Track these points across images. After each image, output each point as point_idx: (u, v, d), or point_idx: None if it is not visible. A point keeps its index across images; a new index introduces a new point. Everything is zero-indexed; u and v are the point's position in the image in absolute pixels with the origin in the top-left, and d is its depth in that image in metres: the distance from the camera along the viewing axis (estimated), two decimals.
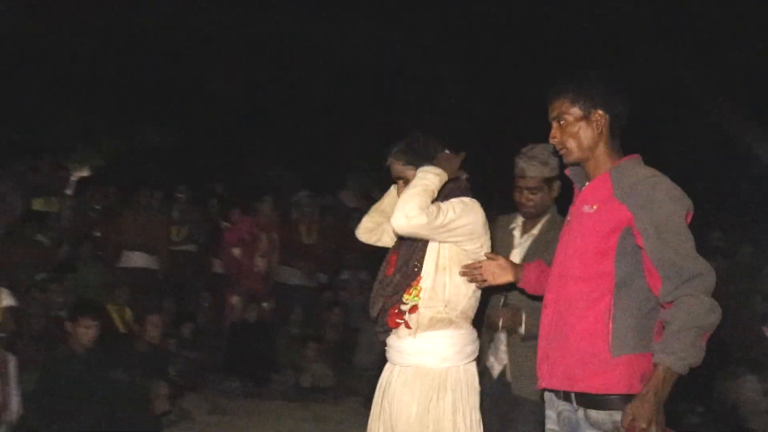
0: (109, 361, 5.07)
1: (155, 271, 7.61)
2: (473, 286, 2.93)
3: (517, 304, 3.21)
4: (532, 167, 3.25)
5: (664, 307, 2.27)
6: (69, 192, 8.00)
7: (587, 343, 2.35)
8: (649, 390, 2.19)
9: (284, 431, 5.86)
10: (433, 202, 2.84)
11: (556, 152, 2.59)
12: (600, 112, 2.44)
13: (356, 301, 7.98)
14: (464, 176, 3.03)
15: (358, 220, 3.34)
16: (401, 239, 3.02)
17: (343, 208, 8.97)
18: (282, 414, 6.25)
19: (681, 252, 2.24)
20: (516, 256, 3.32)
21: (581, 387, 2.35)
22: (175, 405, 5.73)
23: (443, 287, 2.90)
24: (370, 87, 11.85)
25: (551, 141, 2.53)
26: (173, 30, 11.10)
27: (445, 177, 2.91)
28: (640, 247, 2.30)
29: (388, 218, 3.08)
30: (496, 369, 3.35)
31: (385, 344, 3.06)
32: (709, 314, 2.20)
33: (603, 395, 2.32)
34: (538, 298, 2.83)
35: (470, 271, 2.87)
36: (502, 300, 3.19)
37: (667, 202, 2.27)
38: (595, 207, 2.40)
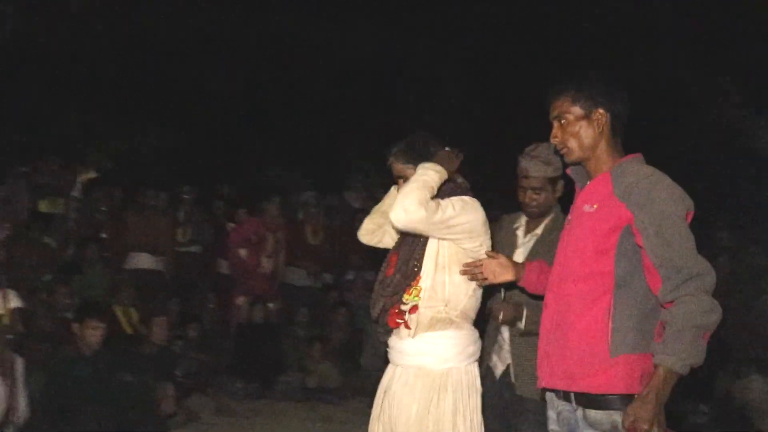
0: (116, 363, 5.08)
1: (161, 273, 7.62)
2: (473, 285, 2.92)
3: (519, 299, 3.20)
4: (535, 167, 3.24)
5: (664, 307, 2.27)
6: (75, 194, 8.02)
7: (586, 342, 2.35)
8: (650, 391, 2.18)
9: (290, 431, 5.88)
10: (432, 200, 2.84)
11: (557, 151, 2.59)
12: (601, 111, 2.43)
13: (362, 301, 7.97)
14: (459, 179, 3.03)
15: (363, 220, 3.34)
16: (402, 240, 3.02)
17: (349, 209, 8.97)
18: (288, 414, 6.26)
19: (681, 251, 2.23)
20: (519, 255, 3.31)
21: (580, 386, 2.35)
22: (182, 406, 5.74)
23: (443, 286, 2.90)
24: (373, 87, 11.85)
25: (552, 140, 2.52)
26: (177, 31, 11.11)
27: (444, 174, 2.90)
28: (639, 247, 2.29)
29: (389, 219, 3.08)
30: (498, 368, 3.34)
31: (386, 345, 3.06)
32: (710, 314, 2.19)
33: (602, 395, 2.31)
34: (539, 297, 2.84)
35: (471, 270, 2.86)
36: (503, 294, 3.18)
37: (667, 201, 2.27)
38: (595, 206, 2.39)
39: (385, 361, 3.10)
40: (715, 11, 10.28)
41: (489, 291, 3.11)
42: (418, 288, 2.90)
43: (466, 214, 2.86)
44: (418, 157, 2.96)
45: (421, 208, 2.74)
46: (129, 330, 6.56)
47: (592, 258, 2.36)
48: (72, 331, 4.99)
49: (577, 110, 2.45)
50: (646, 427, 2.17)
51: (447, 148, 3.02)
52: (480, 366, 3.12)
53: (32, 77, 10.31)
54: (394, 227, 3.03)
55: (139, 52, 11.02)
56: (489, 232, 2.97)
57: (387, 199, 3.25)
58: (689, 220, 2.32)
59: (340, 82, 11.76)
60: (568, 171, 2.63)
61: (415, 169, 2.92)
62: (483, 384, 3.05)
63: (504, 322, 3.12)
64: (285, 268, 7.96)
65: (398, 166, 3.03)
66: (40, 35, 10.07)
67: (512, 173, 3.38)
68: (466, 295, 2.92)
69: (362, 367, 7.24)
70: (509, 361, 3.29)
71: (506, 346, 3.32)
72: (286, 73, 11.82)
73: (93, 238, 7.38)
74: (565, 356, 2.39)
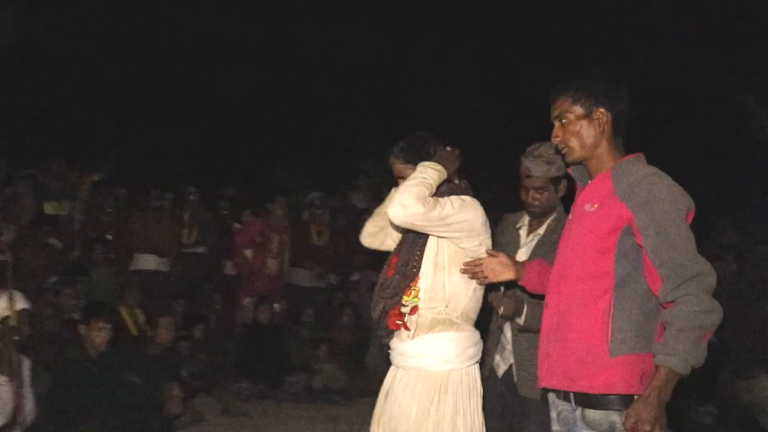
0: (122, 364, 5.08)
1: (166, 274, 7.64)
2: (474, 285, 2.92)
3: (521, 295, 3.19)
4: (537, 166, 3.23)
5: (665, 307, 2.26)
6: (80, 195, 8.04)
7: (586, 342, 2.34)
8: (651, 391, 2.18)
9: None
10: (431, 197, 2.83)
11: (559, 151, 2.59)
12: (602, 110, 2.43)
13: (367, 302, 7.89)
14: (456, 180, 3.02)
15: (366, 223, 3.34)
16: (402, 241, 3.02)
17: (354, 210, 8.97)
18: (293, 415, 6.26)
19: (681, 251, 2.22)
20: (522, 255, 3.30)
21: (580, 387, 2.34)
22: (188, 407, 5.74)
23: (443, 287, 2.89)
24: (378, 88, 11.86)
25: (553, 140, 2.52)
26: (183, 33, 11.14)
27: (444, 174, 2.90)
28: (640, 246, 2.29)
29: (392, 223, 3.08)
30: (501, 368, 3.34)
31: (388, 347, 3.06)
32: (710, 314, 2.19)
33: (601, 395, 2.31)
34: (539, 296, 2.83)
35: (471, 268, 2.86)
36: (503, 289, 3.17)
37: (667, 201, 2.26)
38: (596, 206, 2.39)
39: (390, 362, 3.11)
40: (715, 11, 10.27)
41: (489, 292, 3.10)
42: (416, 289, 2.90)
43: (464, 212, 2.85)
44: (417, 157, 2.96)
45: (418, 204, 2.74)
46: (135, 331, 6.57)
47: (593, 258, 2.36)
48: (78, 333, 5.00)
49: (578, 110, 2.44)
50: (648, 428, 2.16)
51: (448, 148, 3.02)
52: (482, 367, 3.11)
53: (38, 79, 10.34)
54: (392, 224, 3.03)
55: (145, 54, 11.05)
56: (489, 231, 2.97)
57: (387, 202, 3.24)
58: (690, 220, 2.32)
59: (345, 83, 11.78)
60: (569, 170, 2.63)
61: (414, 169, 2.92)
62: (485, 384, 3.04)
63: (504, 316, 3.11)
64: (290, 269, 7.97)
65: (398, 166, 3.03)
66: (46, 37, 10.09)
67: (514, 173, 3.38)
68: (466, 296, 2.92)
69: (367, 368, 7.24)
70: (512, 360, 3.29)
71: (509, 346, 3.31)
72: (291, 75, 11.84)
73: (99, 239, 7.39)
74: (565, 356, 2.39)
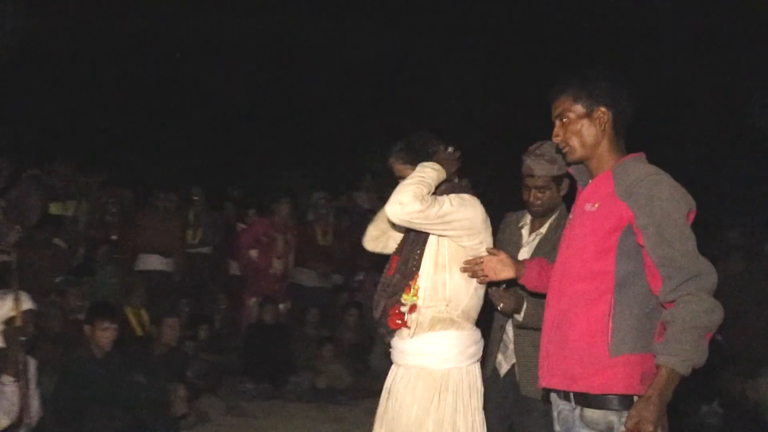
0: (127, 364, 5.09)
1: (171, 274, 7.64)
2: (474, 284, 2.92)
3: (521, 293, 3.19)
4: (539, 166, 3.23)
5: (665, 307, 2.25)
6: (85, 196, 8.05)
7: (587, 342, 2.34)
8: (653, 392, 2.17)
9: None
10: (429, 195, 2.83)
11: (560, 150, 2.58)
12: (603, 109, 2.42)
13: (372, 302, 7.96)
14: (456, 180, 3.02)
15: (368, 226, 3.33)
16: (403, 241, 3.02)
17: (359, 210, 8.97)
18: (299, 415, 6.26)
19: (682, 251, 2.22)
20: (524, 254, 3.30)
21: (580, 387, 2.34)
22: (193, 407, 5.75)
23: (443, 286, 2.89)
24: (382, 88, 11.87)
25: (554, 139, 2.52)
26: (187, 33, 11.16)
27: (443, 173, 2.90)
28: (641, 246, 2.28)
29: (393, 225, 3.08)
30: (504, 367, 3.34)
31: (390, 346, 3.05)
32: (711, 314, 2.18)
33: (601, 395, 2.30)
34: (539, 295, 2.82)
35: (471, 267, 2.86)
36: (504, 287, 3.17)
37: (668, 200, 2.25)
38: (596, 205, 2.38)
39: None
40: (715, 11, 10.26)
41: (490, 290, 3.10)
42: (416, 287, 2.91)
43: (464, 210, 2.85)
44: (417, 158, 2.96)
45: (416, 202, 2.73)
46: (140, 331, 6.57)
47: (593, 258, 2.36)
48: (83, 333, 5.01)
49: (579, 109, 2.44)
50: (651, 428, 2.15)
51: (449, 149, 3.01)
52: (484, 366, 3.11)
53: (43, 80, 10.36)
54: (393, 225, 3.03)
55: (149, 55, 11.07)
56: (490, 229, 2.97)
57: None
58: (691, 219, 2.31)
59: (349, 83, 11.78)
60: (570, 170, 2.62)
61: (413, 169, 2.92)
62: (487, 384, 3.04)
63: (503, 312, 3.11)
64: (295, 269, 7.97)
65: (398, 167, 3.03)
66: (51, 38, 10.11)
67: (515, 172, 3.38)
68: (467, 295, 2.92)
69: (372, 368, 7.23)
70: (514, 360, 3.29)
71: (511, 345, 3.31)
72: (296, 75, 11.86)
73: (103, 239, 7.40)
74: (565, 356, 2.38)
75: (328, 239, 8.16)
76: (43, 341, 5.18)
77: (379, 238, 3.25)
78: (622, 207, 2.30)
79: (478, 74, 11.77)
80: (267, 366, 6.92)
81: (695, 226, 2.30)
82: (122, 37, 10.97)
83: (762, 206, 8.71)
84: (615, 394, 2.29)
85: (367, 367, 7.32)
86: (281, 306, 7.61)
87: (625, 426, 2.21)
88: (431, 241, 2.91)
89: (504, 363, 3.34)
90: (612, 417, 2.28)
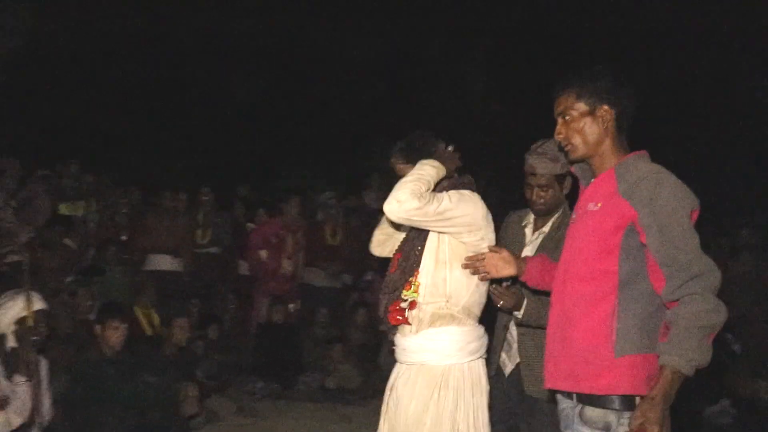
0: (138, 364, 5.10)
1: (181, 274, 7.65)
2: (475, 280, 2.90)
3: (523, 290, 3.18)
4: (542, 164, 3.21)
5: (668, 307, 2.23)
6: (95, 196, 8.08)
7: (591, 342, 2.32)
8: (657, 393, 2.15)
9: None
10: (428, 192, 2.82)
11: (562, 148, 2.56)
12: (606, 107, 2.40)
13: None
14: (457, 175, 3.01)
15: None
16: (405, 238, 3.01)
17: (368, 209, 8.96)
18: (308, 415, 6.25)
19: (685, 250, 2.20)
20: (527, 253, 3.29)
21: (584, 387, 2.33)
22: (203, 406, 5.76)
23: (444, 282, 2.88)
24: (391, 88, 11.87)
25: (556, 137, 2.50)
26: (198, 34, 11.18)
27: (443, 170, 2.89)
28: (644, 245, 2.26)
29: (398, 228, 3.07)
30: (508, 367, 3.34)
31: (393, 344, 3.06)
32: (715, 314, 2.16)
33: (605, 395, 2.29)
34: (540, 293, 2.81)
35: (472, 264, 2.85)
36: (505, 284, 3.16)
37: (671, 199, 2.24)
38: (599, 204, 2.37)
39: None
40: (715, 11, 10.24)
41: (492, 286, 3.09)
42: (416, 283, 2.89)
43: (463, 206, 2.84)
44: (418, 156, 2.95)
45: (414, 199, 2.72)
46: (149, 331, 6.58)
47: (596, 257, 2.34)
48: (93, 333, 5.03)
49: (582, 106, 2.42)
50: (656, 429, 2.13)
51: (449, 148, 3.01)
52: (489, 365, 3.09)
53: (53, 81, 10.41)
54: (393, 225, 3.02)
55: (159, 55, 11.10)
56: (492, 225, 2.95)
57: None
58: (694, 218, 2.29)
59: (358, 83, 11.79)
60: (572, 169, 2.61)
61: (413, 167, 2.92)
62: (490, 382, 3.03)
63: (503, 308, 3.10)
64: (304, 269, 7.97)
65: (399, 166, 3.02)
66: (59, 39, 10.15)
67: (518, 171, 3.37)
68: (468, 291, 2.90)
69: (381, 368, 7.23)
70: (518, 359, 3.28)
71: (515, 345, 3.30)
72: (305, 75, 11.87)
73: (113, 240, 7.42)
74: (569, 357, 2.37)
75: (337, 239, 8.16)
76: (53, 341, 5.21)
77: (386, 242, 3.23)
78: (625, 206, 2.29)
79: (494, 74, 11.77)
80: (276, 366, 6.93)
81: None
82: (131, 37, 11.01)
83: None
84: (618, 395, 2.27)
85: (377, 367, 7.31)
86: (291, 306, 7.62)
87: (629, 427, 2.20)
88: (431, 237, 2.90)
89: (508, 362, 3.34)
90: (611, 417, 2.27)
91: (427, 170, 2.84)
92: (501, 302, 3.02)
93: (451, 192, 2.87)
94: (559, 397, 2.50)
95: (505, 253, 2.84)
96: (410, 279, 2.90)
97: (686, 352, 2.13)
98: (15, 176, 7.16)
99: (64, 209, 7.62)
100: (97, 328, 4.96)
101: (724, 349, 5.83)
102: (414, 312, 2.90)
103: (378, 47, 11.61)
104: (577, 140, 2.44)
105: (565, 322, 2.41)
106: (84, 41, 10.48)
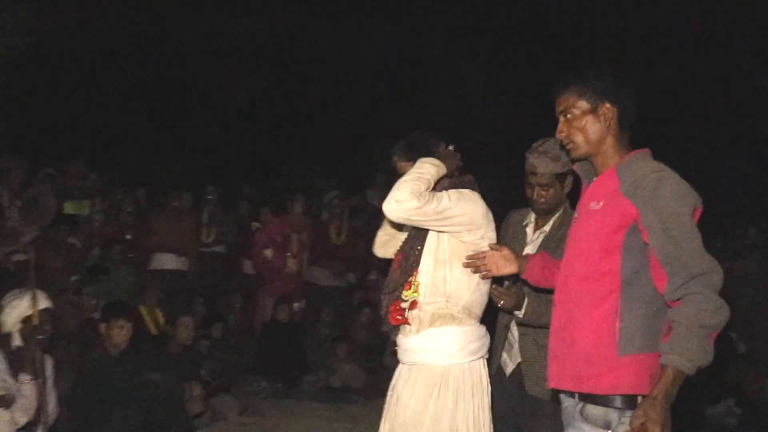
0: (143, 363, 5.11)
1: (186, 273, 7.66)
2: (476, 279, 2.89)
3: (523, 289, 3.17)
4: (542, 163, 3.20)
5: (670, 306, 2.23)
6: (100, 195, 8.09)
7: (594, 342, 2.32)
8: (659, 392, 2.15)
9: (315, 431, 5.87)
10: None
11: (564, 147, 2.55)
12: (607, 105, 2.40)
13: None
14: (457, 174, 3.00)
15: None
16: (406, 238, 3.01)
17: (372, 209, 8.96)
18: (312, 414, 6.25)
19: (687, 249, 2.19)
20: (529, 252, 3.28)
21: (587, 387, 2.32)
22: (207, 405, 5.76)
23: (443, 281, 2.87)
24: (395, 87, 11.86)
25: (558, 136, 2.50)
26: (202, 33, 11.19)
27: (443, 169, 2.88)
28: (646, 244, 2.26)
29: (401, 229, 3.07)
30: (509, 367, 3.33)
31: (395, 344, 3.05)
32: (717, 313, 2.16)
33: (608, 395, 2.29)
34: (542, 291, 2.80)
35: (473, 262, 2.84)
36: (507, 283, 3.15)
37: (673, 197, 2.23)
38: (601, 203, 2.36)
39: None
40: (715, 11, 10.22)
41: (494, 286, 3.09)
42: (416, 283, 2.89)
43: (463, 205, 2.83)
44: (418, 155, 2.94)
45: (413, 198, 2.71)
46: (154, 330, 6.60)
47: (599, 257, 2.34)
48: (98, 332, 5.03)
49: (584, 104, 2.42)
50: (657, 429, 2.13)
51: (450, 147, 3.00)
52: (490, 365, 3.09)
53: (57, 80, 10.42)
54: (395, 225, 3.01)
55: (163, 54, 11.10)
56: (492, 224, 2.94)
57: None
58: (697, 216, 2.28)
59: (358, 83, 11.79)
60: (574, 167, 2.60)
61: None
62: (492, 382, 3.02)
63: (503, 308, 3.10)
64: (309, 268, 7.98)
65: (400, 164, 3.02)
66: (64, 39, 10.16)
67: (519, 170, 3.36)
68: (468, 290, 2.89)
69: (386, 367, 7.22)
70: (519, 359, 3.28)
71: (516, 345, 3.30)
72: (305, 75, 11.87)
73: (118, 239, 7.43)
74: (572, 356, 2.37)
75: (341, 238, 8.16)
76: (58, 340, 5.22)
77: (389, 243, 3.22)
78: (627, 204, 2.28)
79: (488, 73, 11.76)
80: (281, 365, 6.93)
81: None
82: (131, 37, 11.02)
83: None
84: (621, 394, 2.27)
85: (381, 366, 7.30)
86: (295, 305, 7.62)
87: (630, 426, 2.19)
88: (431, 237, 2.89)
89: (509, 362, 3.33)
90: (612, 415, 2.27)
91: (427, 168, 2.83)
92: (501, 302, 3.02)
93: (451, 191, 2.86)
94: (561, 396, 2.49)
95: (506, 251, 2.83)
96: (410, 279, 2.90)
97: (687, 351, 2.13)
98: (20, 175, 7.17)
99: (69, 208, 7.63)
100: (102, 326, 4.97)
101: (728, 348, 5.82)
102: (414, 312, 2.89)
103: (378, 47, 11.60)
104: (578, 138, 2.43)
105: (567, 321, 2.40)
106: (85, 41, 10.47)
